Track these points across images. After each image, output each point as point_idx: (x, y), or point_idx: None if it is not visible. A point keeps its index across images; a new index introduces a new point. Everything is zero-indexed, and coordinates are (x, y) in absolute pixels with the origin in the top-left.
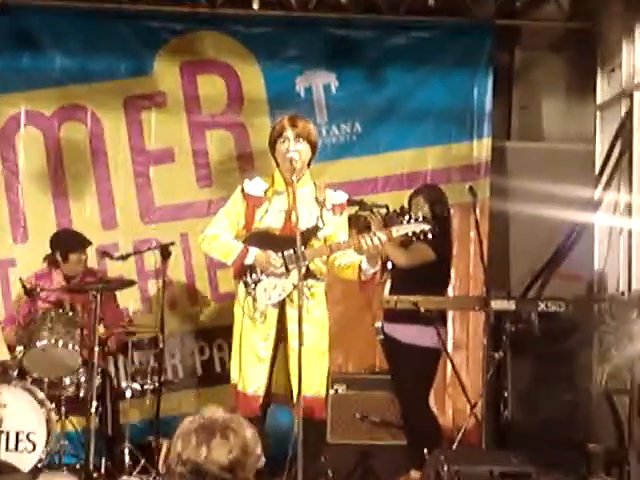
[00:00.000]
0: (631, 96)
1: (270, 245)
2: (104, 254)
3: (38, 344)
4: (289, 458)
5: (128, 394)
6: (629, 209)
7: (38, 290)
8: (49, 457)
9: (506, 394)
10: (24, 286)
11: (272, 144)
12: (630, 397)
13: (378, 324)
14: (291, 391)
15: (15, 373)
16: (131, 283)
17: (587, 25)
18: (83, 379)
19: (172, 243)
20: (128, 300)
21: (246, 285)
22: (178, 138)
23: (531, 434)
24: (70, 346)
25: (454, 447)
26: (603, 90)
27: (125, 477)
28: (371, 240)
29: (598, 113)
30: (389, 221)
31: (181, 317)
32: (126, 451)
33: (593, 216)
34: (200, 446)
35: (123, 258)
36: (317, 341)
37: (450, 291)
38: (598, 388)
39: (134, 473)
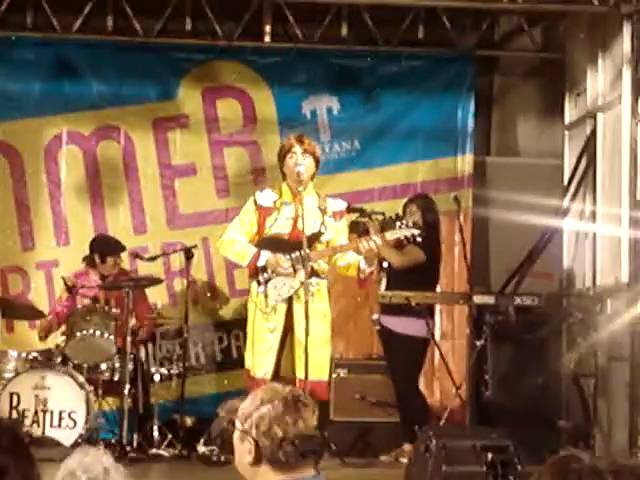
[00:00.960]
0: (595, 117)
1: (279, 248)
2: (135, 256)
3: (78, 334)
4: None
5: (157, 378)
6: (593, 216)
7: (78, 287)
8: (88, 433)
9: (487, 377)
10: (66, 284)
11: (281, 159)
12: (595, 379)
13: (375, 316)
14: (297, 375)
15: (58, 360)
16: (159, 281)
17: (557, 55)
18: (117, 365)
19: (195, 246)
20: (156, 296)
21: (259, 283)
22: (200, 154)
23: (509, 412)
24: (106, 336)
25: (441, 424)
26: (571, 112)
27: (154, 450)
28: (368, 243)
29: (566, 132)
30: (385, 226)
31: (203, 310)
32: (155, 428)
33: (562, 222)
34: (297, 422)
35: (152, 259)
36: (321, 331)
37: (438, 287)
38: (567, 372)
39: (162, 447)
